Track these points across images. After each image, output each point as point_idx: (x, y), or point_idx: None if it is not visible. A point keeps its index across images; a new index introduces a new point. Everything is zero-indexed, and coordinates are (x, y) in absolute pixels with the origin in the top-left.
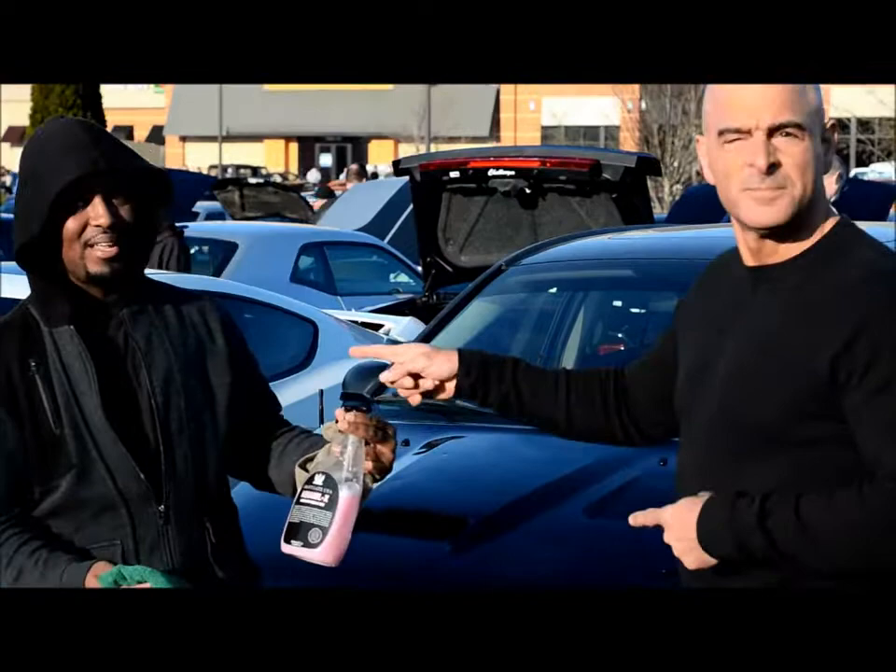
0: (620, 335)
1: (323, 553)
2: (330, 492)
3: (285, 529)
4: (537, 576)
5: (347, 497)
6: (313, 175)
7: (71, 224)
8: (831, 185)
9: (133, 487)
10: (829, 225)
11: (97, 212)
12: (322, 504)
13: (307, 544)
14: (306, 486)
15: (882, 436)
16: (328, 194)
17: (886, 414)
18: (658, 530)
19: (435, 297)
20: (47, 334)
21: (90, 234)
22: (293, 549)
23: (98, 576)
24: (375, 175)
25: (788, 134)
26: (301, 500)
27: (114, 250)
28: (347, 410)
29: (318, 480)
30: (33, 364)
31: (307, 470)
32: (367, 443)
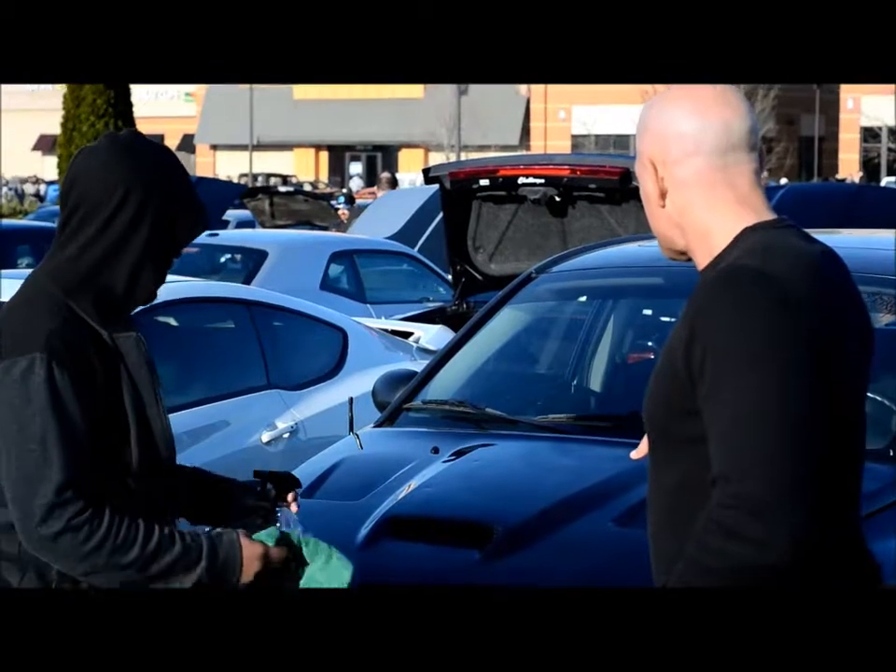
0: (650, 343)
1: None
2: None
3: None
4: (565, 585)
5: None
6: (355, 184)
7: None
8: None
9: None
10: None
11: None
12: None
13: None
14: None
15: (715, 444)
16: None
17: (718, 421)
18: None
19: (465, 305)
20: (107, 337)
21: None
22: None
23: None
24: (395, 180)
25: None
26: None
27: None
28: None
29: None
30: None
31: None
32: None
